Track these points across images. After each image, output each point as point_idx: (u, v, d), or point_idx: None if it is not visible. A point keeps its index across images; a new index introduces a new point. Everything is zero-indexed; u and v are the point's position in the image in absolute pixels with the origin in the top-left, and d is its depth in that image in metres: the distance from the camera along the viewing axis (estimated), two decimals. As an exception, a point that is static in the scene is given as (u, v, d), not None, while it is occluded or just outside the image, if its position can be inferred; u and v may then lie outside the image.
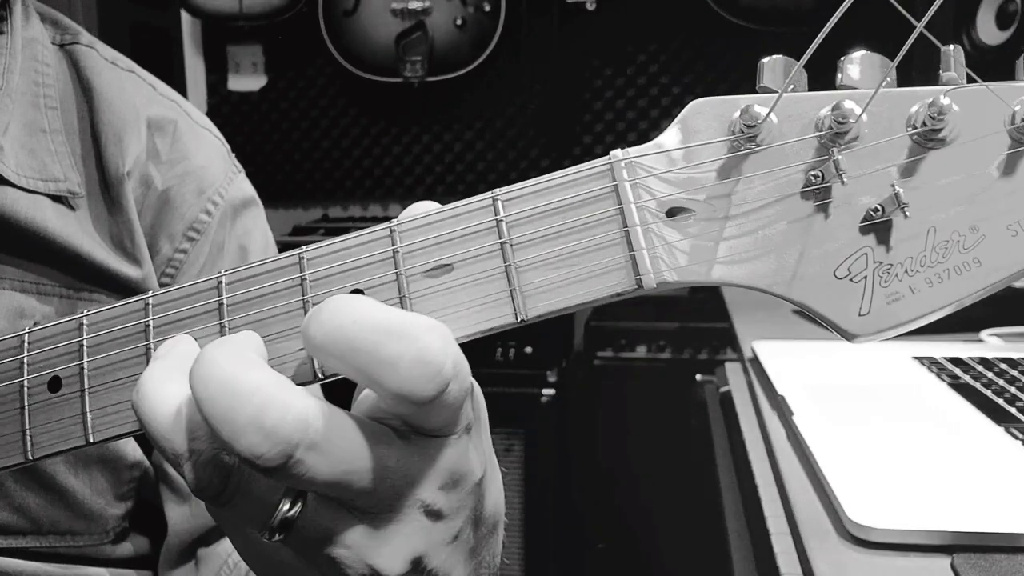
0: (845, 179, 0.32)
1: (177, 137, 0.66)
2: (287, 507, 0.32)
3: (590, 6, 2.03)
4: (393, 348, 0.29)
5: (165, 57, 2.34)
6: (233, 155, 0.71)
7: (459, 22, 2.06)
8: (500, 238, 0.34)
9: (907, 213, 0.32)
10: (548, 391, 1.89)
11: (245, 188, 0.70)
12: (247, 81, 2.35)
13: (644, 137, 2.31)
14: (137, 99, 0.65)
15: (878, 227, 0.33)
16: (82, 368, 0.37)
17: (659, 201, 0.34)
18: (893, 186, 0.32)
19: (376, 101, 2.28)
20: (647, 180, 0.34)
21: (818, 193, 0.33)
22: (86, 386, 0.37)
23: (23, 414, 0.37)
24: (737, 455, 0.96)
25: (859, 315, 0.33)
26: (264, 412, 0.28)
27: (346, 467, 0.30)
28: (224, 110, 2.35)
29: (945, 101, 0.31)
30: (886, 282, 0.32)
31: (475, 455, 0.35)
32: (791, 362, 1.00)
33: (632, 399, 1.90)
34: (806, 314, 0.34)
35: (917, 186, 0.32)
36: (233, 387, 0.29)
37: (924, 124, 0.32)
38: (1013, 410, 0.84)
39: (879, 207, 0.32)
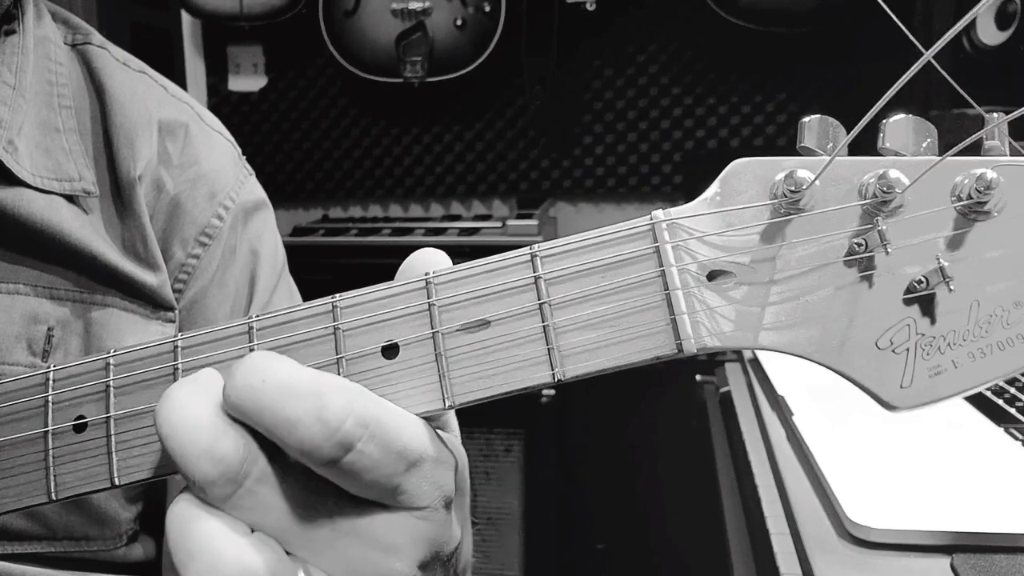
0: (889, 249, 0.32)
1: (188, 141, 0.65)
2: None
3: (590, 7, 2.03)
4: (294, 407, 0.30)
5: (165, 57, 2.34)
6: (244, 158, 0.71)
7: (459, 22, 2.06)
8: (539, 298, 0.33)
9: (951, 287, 0.31)
10: (548, 391, 1.89)
11: (256, 191, 0.70)
12: (247, 81, 2.35)
13: (643, 138, 2.30)
14: (149, 101, 0.64)
15: (922, 299, 0.32)
16: (109, 409, 0.36)
17: (700, 264, 0.33)
18: (938, 259, 0.32)
19: (376, 101, 2.28)
20: (689, 243, 0.33)
21: (862, 262, 0.33)
22: (112, 428, 0.36)
23: (47, 454, 0.37)
24: (737, 455, 0.96)
25: (900, 387, 0.32)
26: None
27: (278, 513, 0.31)
28: (224, 110, 2.35)
29: (992, 175, 0.31)
30: (928, 355, 0.32)
31: (456, 526, 0.35)
32: (791, 362, 1.00)
33: (632, 399, 1.90)
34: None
35: (962, 259, 0.32)
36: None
37: (970, 196, 0.32)
38: (1013, 410, 0.84)
39: (923, 279, 0.32)
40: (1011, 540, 0.60)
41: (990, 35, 1.39)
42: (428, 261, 0.35)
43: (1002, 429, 0.79)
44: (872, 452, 0.75)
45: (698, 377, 1.34)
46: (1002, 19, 1.38)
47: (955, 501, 0.65)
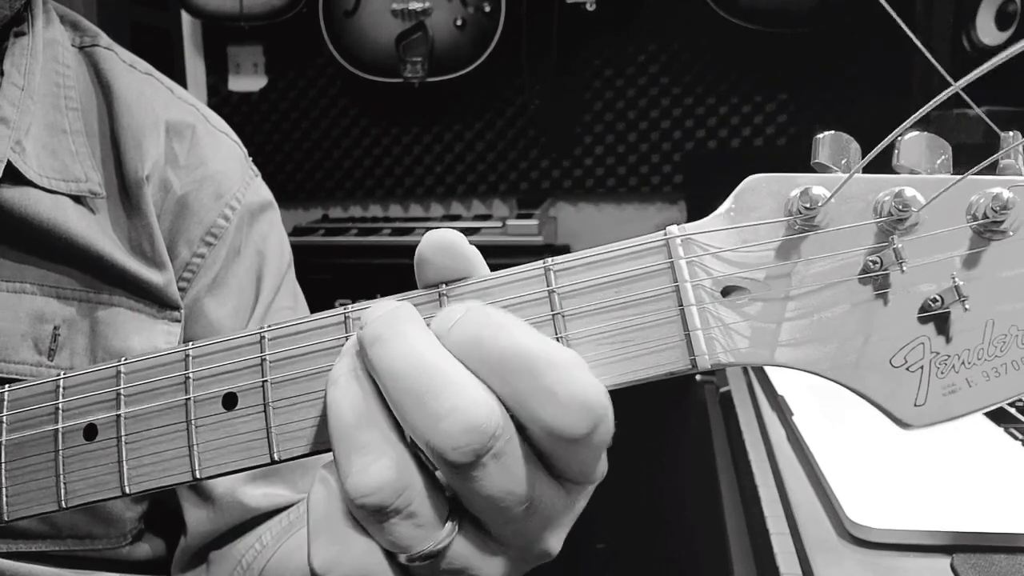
0: (905, 267, 0.32)
1: (195, 142, 0.66)
2: (446, 534, 0.31)
3: (590, 6, 2.03)
4: (552, 377, 0.29)
5: (165, 57, 2.34)
6: (250, 159, 0.71)
7: (459, 22, 2.06)
8: (552, 310, 0.33)
9: (967, 306, 0.32)
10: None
11: (262, 192, 0.70)
12: (247, 81, 2.35)
13: (643, 138, 2.30)
14: (156, 103, 0.65)
15: (937, 318, 0.32)
16: (119, 417, 0.36)
17: (715, 280, 0.33)
18: (953, 277, 0.32)
19: (376, 101, 2.28)
20: (703, 258, 0.33)
21: (877, 279, 0.33)
22: (123, 436, 0.36)
23: (57, 461, 0.37)
24: (737, 455, 0.96)
25: (915, 405, 0.33)
26: (470, 405, 0.29)
27: (510, 487, 0.30)
28: (224, 110, 2.35)
29: (1008, 195, 0.31)
30: (943, 373, 0.32)
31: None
32: (791, 362, 1.00)
33: (632, 399, 1.90)
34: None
35: (977, 278, 0.32)
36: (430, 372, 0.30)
37: (985, 216, 0.32)
38: (1013, 410, 0.84)
39: (938, 297, 0.32)
40: (1011, 540, 0.60)
41: (990, 35, 1.39)
42: (441, 237, 0.34)
43: (1002, 429, 0.79)
44: (872, 452, 0.75)
45: (698, 377, 1.34)
46: (1002, 19, 1.38)
47: (955, 501, 0.65)
